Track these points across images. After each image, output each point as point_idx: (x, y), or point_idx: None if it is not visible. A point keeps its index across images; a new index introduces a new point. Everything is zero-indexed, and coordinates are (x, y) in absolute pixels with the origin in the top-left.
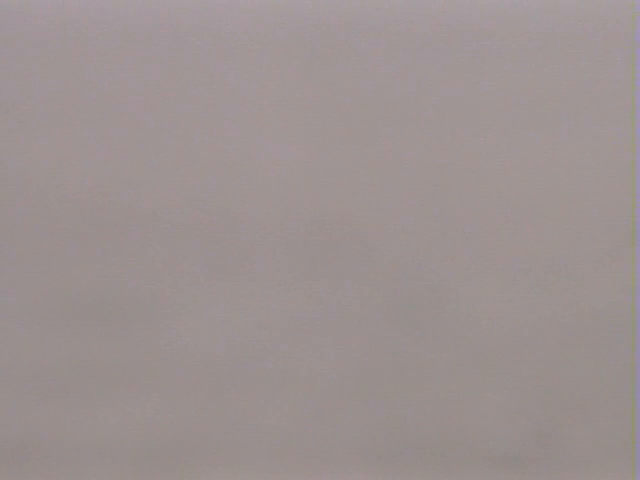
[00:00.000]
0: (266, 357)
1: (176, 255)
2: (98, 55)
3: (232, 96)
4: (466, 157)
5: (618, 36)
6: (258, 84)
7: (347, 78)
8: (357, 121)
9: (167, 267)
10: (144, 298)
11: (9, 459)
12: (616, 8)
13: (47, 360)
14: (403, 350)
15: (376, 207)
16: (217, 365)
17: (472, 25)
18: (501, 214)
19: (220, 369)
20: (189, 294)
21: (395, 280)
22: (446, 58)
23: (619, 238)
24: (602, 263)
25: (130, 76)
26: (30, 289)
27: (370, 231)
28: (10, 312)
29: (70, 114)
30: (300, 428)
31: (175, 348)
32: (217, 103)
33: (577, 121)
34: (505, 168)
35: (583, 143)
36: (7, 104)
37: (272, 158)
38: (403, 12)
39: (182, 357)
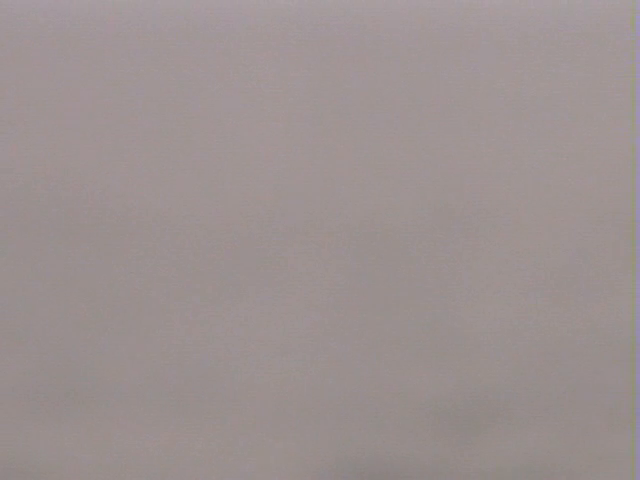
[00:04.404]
0: (262, 371)
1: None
2: (98, 55)
3: (232, 96)
4: (467, 160)
5: (618, 36)
6: (258, 84)
7: (347, 78)
8: (357, 121)
9: (165, 274)
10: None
11: None
12: (616, 8)
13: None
14: (413, 366)
15: (376, 208)
16: (216, 376)
17: (472, 25)
18: (503, 217)
19: (219, 380)
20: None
21: (402, 291)
22: (446, 58)
23: (621, 242)
24: (607, 277)
25: (130, 76)
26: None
27: (370, 233)
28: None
29: (69, 117)
30: (297, 443)
31: (172, 360)
32: (217, 103)
33: (577, 121)
34: (505, 171)
35: (583, 143)
36: (7, 104)
37: (272, 160)
38: (403, 12)
39: (179, 367)
